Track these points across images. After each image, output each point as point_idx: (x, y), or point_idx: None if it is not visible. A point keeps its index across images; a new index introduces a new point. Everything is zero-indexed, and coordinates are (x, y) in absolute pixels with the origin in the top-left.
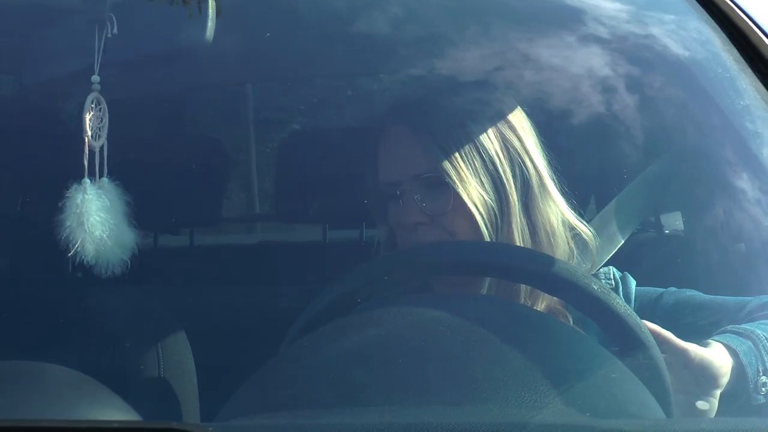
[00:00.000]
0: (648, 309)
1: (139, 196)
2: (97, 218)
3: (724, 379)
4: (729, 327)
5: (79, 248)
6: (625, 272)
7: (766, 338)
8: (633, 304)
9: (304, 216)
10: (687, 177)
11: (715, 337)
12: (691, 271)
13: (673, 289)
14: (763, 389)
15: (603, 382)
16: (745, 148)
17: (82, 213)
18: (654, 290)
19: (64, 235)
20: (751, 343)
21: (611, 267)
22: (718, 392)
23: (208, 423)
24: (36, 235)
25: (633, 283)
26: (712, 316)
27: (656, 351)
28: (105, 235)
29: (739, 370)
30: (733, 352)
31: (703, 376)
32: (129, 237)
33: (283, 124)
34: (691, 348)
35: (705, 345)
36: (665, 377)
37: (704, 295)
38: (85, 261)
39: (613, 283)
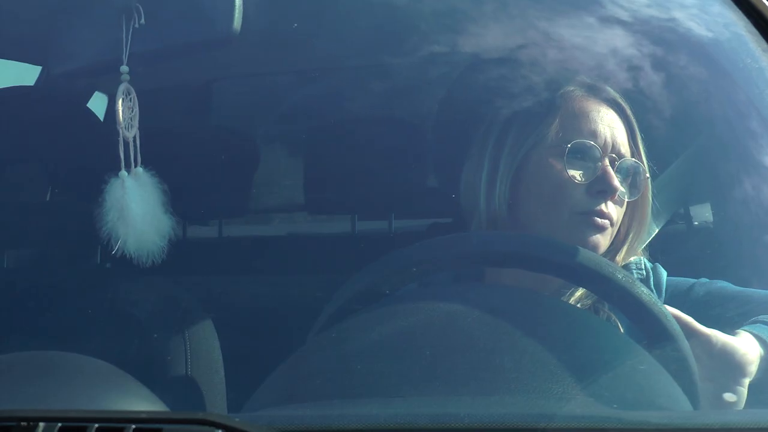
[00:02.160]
0: (679, 299)
1: (168, 186)
2: (138, 211)
3: (752, 368)
4: (760, 317)
5: (122, 243)
6: (656, 263)
7: None
8: (664, 295)
9: (333, 207)
10: (716, 168)
11: (745, 327)
12: (720, 263)
13: (704, 280)
14: None
15: (630, 373)
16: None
17: (123, 207)
18: (685, 281)
19: (106, 230)
20: None
21: (642, 257)
22: (746, 381)
23: (235, 414)
24: (64, 226)
25: (664, 273)
26: (741, 308)
27: (684, 343)
28: (145, 227)
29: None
30: (763, 342)
31: (730, 363)
32: (166, 224)
33: (312, 113)
34: (716, 335)
35: (733, 334)
36: (693, 369)
37: (734, 286)
38: (127, 254)
39: (644, 273)
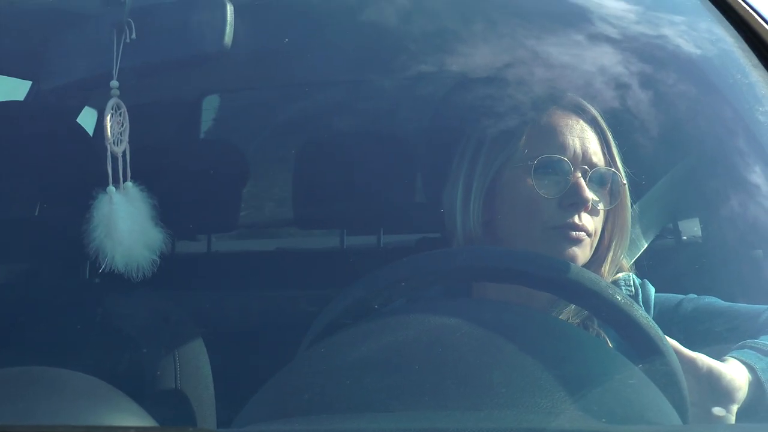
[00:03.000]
0: (667, 316)
1: (156, 202)
2: (125, 227)
3: (740, 394)
4: (748, 342)
5: (109, 260)
6: (645, 279)
7: None
8: (652, 311)
9: (322, 222)
10: (704, 183)
11: (733, 353)
12: (708, 278)
13: (692, 296)
14: None
15: (619, 388)
16: (764, 154)
17: (110, 223)
18: (674, 297)
19: (94, 246)
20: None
21: (631, 273)
22: (734, 407)
23: (224, 429)
24: (53, 240)
25: (652, 290)
26: (730, 323)
27: (674, 358)
28: (133, 243)
29: (756, 387)
30: (751, 369)
31: (719, 390)
32: (157, 238)
33: (302, 129)
34: (702, 359)
35: (722, 360)
36: (682, 384)
37: (723, 302)
38: (115, 270)
39: (633, 289)
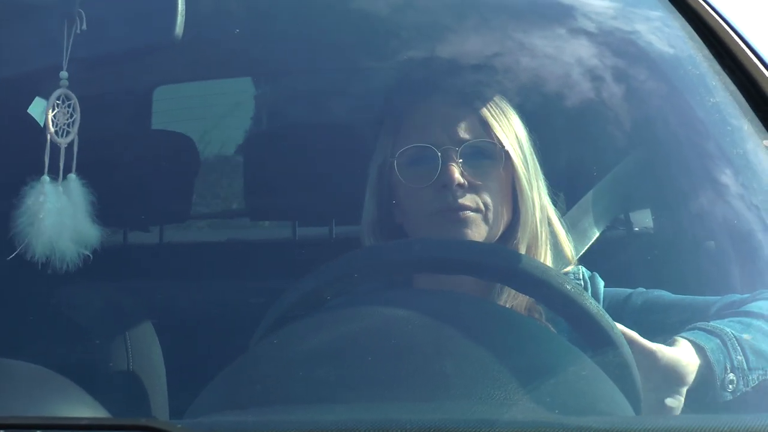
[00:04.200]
0: (616, 309)
1: (107, 193)
2: (51, 219)
3: (691, 377)
4: (698, 324)
5: (25, 248)
6: (594, 272)
7: (734, 336)
8: (601, 304)
9: (274, 213)
10: (657, 174)
11: (684, 334)
12: (660, 270)
13: (641, 289)
14: (730, 386)
15: (572, 379)
16: (715, 146)
17: (36, 213)
18: (623, 291)
19: (16, 232)
20: (719, 341)
21: (580, 266)
22: (684, 389)
23: (177, 420)
24: (1, 231)
25: (602, 283)
26: (680, 315)
27: (626, 349)
28: (57, 235)
29: (706, 368)
30: (701, 350)
31: (670, 374)
32: (90, 233)
33: (252, 120)
34: (657, 348)
35: (672, 343)
36: (634, 375)
37: (672, 294)
38: (33, 258)
39: (582, 282)
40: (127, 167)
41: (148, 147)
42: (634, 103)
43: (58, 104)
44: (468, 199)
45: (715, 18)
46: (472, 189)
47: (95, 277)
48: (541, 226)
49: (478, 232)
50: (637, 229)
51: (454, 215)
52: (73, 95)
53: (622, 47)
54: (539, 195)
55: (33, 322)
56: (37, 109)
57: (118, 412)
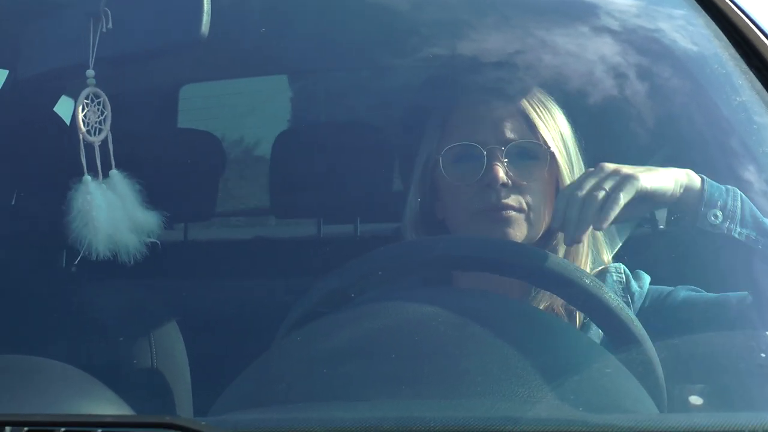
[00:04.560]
0: (656, 305)
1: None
2: (102, 215)
3: (678, 194)
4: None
5: (86, 249)
6: (639, 270)
7: (741, 196)
8: (644, 300)
9: (299, 211)
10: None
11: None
12: (684, 267)
13: (684, 286)
14: (713, 220)
15: (596, 377)
16: (741, 144)
17: (88, 213)
18: (666, 288)
19: (73, 237)
20: (724, 189)
21: (620, 263)
22: (666, 203)
23: (201, 417)
24: (31, 230)
25: (647, 279)
26: (710, 311)
27: (650, 346)
28: (115, 229)
29: (696, 193)
30: (701, 180)
31: (661, 182)
32: (149, 220)
33: (279, 118)
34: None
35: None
36: (658, 372)
37: (708, 293)
38: (99, 257)
39: (624, 278)
40: (152, 165)
41: (174, 145)
42: (660, 101)
43: (87, 103)
44: (512, 199)
45: (740, 16)
46: (516, 189)
47: (120, 276)
48: None
49: (520, 231)
50: (662, 227)
51: (498, 214)
52: (101, 93)
53: (647, 46)
54: None
55: (58, 320)
56: (63, 108)
57: (142, 410)
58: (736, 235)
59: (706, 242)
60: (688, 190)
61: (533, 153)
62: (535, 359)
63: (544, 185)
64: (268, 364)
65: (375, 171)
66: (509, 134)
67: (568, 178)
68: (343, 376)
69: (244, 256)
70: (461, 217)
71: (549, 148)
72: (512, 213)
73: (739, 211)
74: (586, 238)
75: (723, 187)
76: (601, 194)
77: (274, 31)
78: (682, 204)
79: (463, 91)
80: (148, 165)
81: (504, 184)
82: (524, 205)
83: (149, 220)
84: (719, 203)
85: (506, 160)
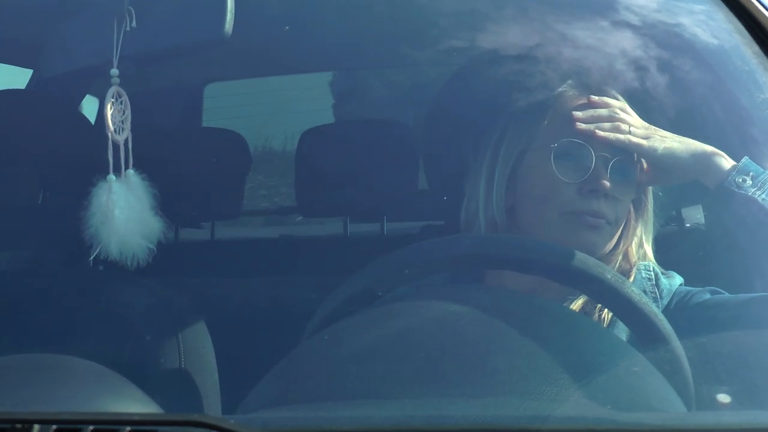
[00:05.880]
0: (681, 305)
1: (159, 190)
2: (122, 215)
3: (704, 161)
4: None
5: (103, 247)
6: (671, 270)
7: None
8: (672, 299)
9: (326, 209)
10: None
11: None
12: (712, 265)
13: (711, 288)
14: (739, 182)
15: (624, 375)
16: (765, 140)
17: (107, 211)
18: (694, 289)
19: (90, 233)
20: (763, 170)
21: (651, 262)
22: (691, 170)
23: (230, 415)
24: (58, 228)
25: (678, 280)
26: (738, 310)
27: (677, 344)
28: (129, 231)
29: (723, 160)
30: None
31: (688, 149)
32: (155, 226)
33: (304, 116)
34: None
35: None
36: (686, 370)
37: (733, 295)
38: (109, 257)
39: (653, 276)
40: (178, 164)
41: (199, 144)
42: (684, 97)
43: (113, 102)
44: (609, 210)
45: (762, 12)
46: (612, 201)
47: (147, 274)
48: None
49: (603, 242)
50: (688, 225)
51: (591, 221)
52: (123, 92)
53: (669, 40)
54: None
55: (86, 319)
56: (88, 107)
57: (170, 408)
58: (761, 200)
59: (734, 240)
60: (724, 158)
61: (631, 173)
62: (563, 358)
63: (636, 204)
64: (296, 363)
65: (401, 169)
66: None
67: (650, 200)
68: (370, 374)
69: (270, 254)
70: (550, 214)
71: (645, 168)
72: (603, 223)
73: None
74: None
75: (762, 168)
76: None
77: (298, 29)
78: (715, 166)
79: (570, 92)
80: (174, 163)
81: (606, 194)
82: (615, 219)
83: (156, 225)
84: (751, 173)
85: (611, 169)
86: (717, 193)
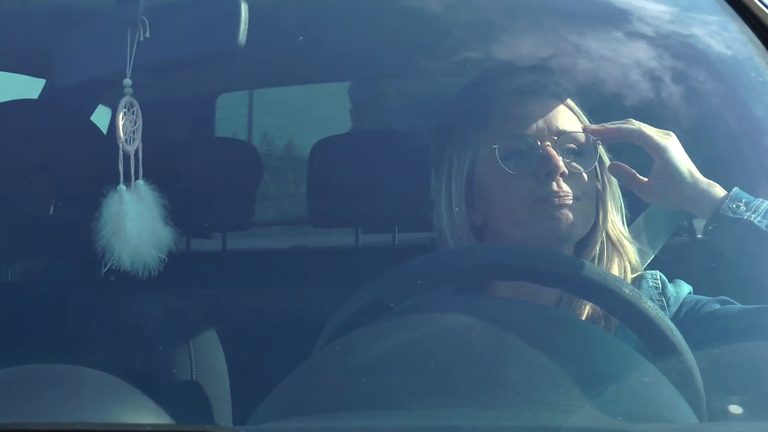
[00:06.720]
0: (689, 314)
1: (171, 199)
2: (133, 226)
3: (698, 187)
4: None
5: (115, 258)
6: (678, 279)
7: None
8: (680, 308)
9: (337, 220)
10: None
11: None
12: (723, 276)
13: (722, 297)
14: (734, 207)
15: (635, 386)
16: None
17: (119, 221)
18: (703, 298)
19: (101, 244)
20: (753, 197)
21: (658, 271)
22: (686, 189)
23: (241, 426)
24: (69, 238)
25: (686, 289)
26: (749, 320)
27: (689, 355)
28: (141, 242)
29: (716, 189)
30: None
31: (680, 171)
32: (165, 236)
33: (315, 126)
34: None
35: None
36: (698, 381)
37: (744, 305)
38: (121, 268)
39: (659, 284)
40: (190, 174)
41: (211, 155)
42: (698, 108)
43: (125, 112)
44: (574, 187)
45: None
46: (573, 176)
47: (159, 285)
48: (614, 228)
49: (579, 219)
50: (700, 236)
51: (558, 201)
52: (136, 102)
53: (682, 50)
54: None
55: (98, 329)
56: (100, 117)
57: (181, 419)
58: (756, 222)
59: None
60: (715, 187)
61: (585, 143)
62: (574, 368)
63: (592, 178)
64: (307, 374)
65: (413, 179)
66: (560, 126)
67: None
68: (382, 384)
69: (282, 265)
70: (519, 210)
71: (597, 141)
72: (570, 200)
73: (763, 207)
74: (621, 240)
75: (752, 196)
76: None
77: (311, 40)
78: (707, 196)
79: (503, 92)
80: (185, 174)
81: (563, 174)
82: (583, 193)
83: (166, 236)
84: (744, 200)
85: (559, 147)
86: (713, 219)
